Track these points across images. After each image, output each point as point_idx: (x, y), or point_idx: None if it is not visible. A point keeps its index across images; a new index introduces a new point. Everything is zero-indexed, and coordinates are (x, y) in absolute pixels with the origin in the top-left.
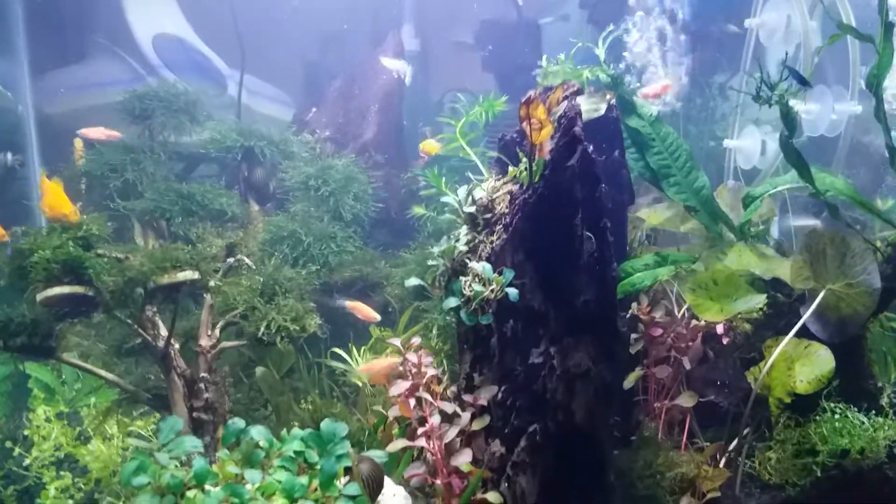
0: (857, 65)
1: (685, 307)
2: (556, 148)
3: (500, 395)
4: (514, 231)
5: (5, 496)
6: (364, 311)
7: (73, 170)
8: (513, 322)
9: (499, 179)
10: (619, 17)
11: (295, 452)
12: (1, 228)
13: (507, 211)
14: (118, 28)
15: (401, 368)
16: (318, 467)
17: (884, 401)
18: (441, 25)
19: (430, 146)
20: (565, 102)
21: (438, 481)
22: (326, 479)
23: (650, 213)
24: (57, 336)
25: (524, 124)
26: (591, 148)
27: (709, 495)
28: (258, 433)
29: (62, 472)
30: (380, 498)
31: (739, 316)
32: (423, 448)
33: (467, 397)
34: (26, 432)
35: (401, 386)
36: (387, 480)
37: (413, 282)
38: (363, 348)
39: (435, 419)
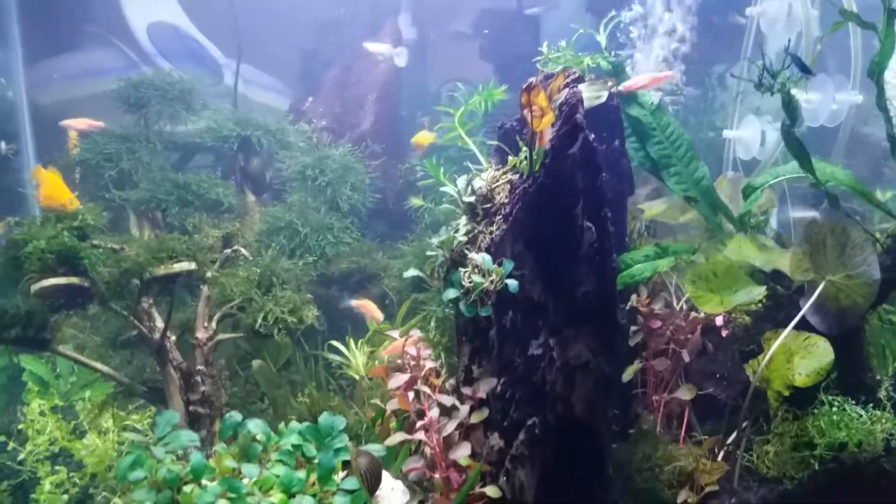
0: (858, 53)
1: (684, 299)
2: (558, 136)
3: (498, 388)
4: (514, 221)
5: None
6: (372, 310)
7: (68, 159)
8: (512, 313)
9: (498, 169)
10: (619, 5)
11: (293, 446)
12: None
13: (506, 201)
14: (113, 16)
15: (399, 361)
16: (316, 461)
17: (882, 393)
18: (439, 14)
19: (423, 138)
20: (566, 90)
21: (437, 475)
22: (325, 474)
23: (650, 207)
24: (52, 328)
25: (525, 111)
26: (593, 136)
27: (707, 489)
28: (255, 427)
29: (57, 467)
30: (378, 492)
31: (739, 308)
32: (421, 441)
33: (466, 390)
34: (20, 426)
35: (399, 379)
36: (385, 474)
37: (412, 273)
38: (360, 341)
39: (434, 412)
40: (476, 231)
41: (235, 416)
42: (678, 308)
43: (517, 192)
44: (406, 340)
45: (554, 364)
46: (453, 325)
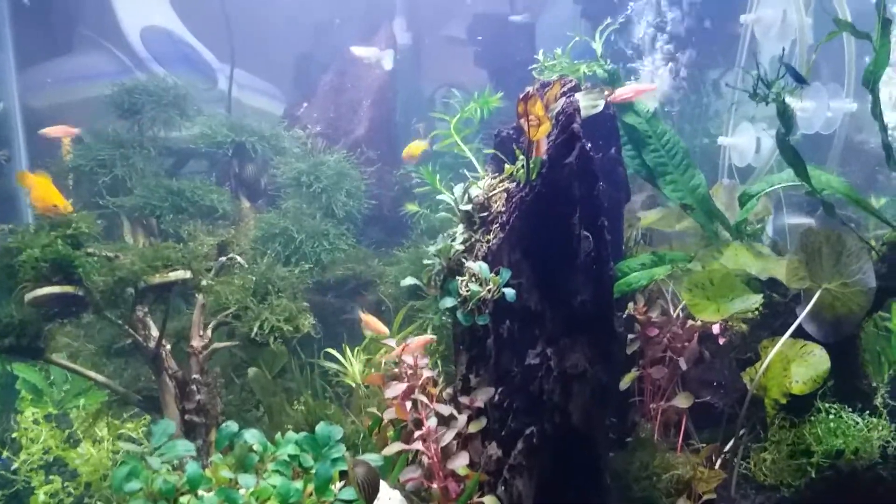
0: (852, 62)
1: (680, 306)
2: (555, 145)
3: (496, 397)
4: (511, 230)
5: None
6: (376, 325)
7: (61, 165)
8: (509, 322)
9: (495, 177)
10: (613, 12)
11: (290, 456)
12: None
13: (503, 209)
14: (106, 20)
15: (396, 370)
16: (314, 472)
17: (878, 401)
18: (433, 20)
19: (415, 149)
20: (563, 99)
21: (435, 485)
22: (322, 484)
23: (645, 215)
24: (46, 337)
25: (522, 121)
26: (589, 145)
27: (704, 497)
28: (252, 437)
29: (51, 476)
30: (376, 502)
31: (735, 316)
32: (418, 451)
33: (464, 399)
34: (14, 435)
35: (397, 388)
36: (382, 484)
37: (409, 281)
38: (357, 349)
39: (431, 422)
40: (473, 239)
41: (232, 426)
42: (675, 316)
43: (514, 200)
44: (407, 347)
45: (551, 373)
46: (450, 333)
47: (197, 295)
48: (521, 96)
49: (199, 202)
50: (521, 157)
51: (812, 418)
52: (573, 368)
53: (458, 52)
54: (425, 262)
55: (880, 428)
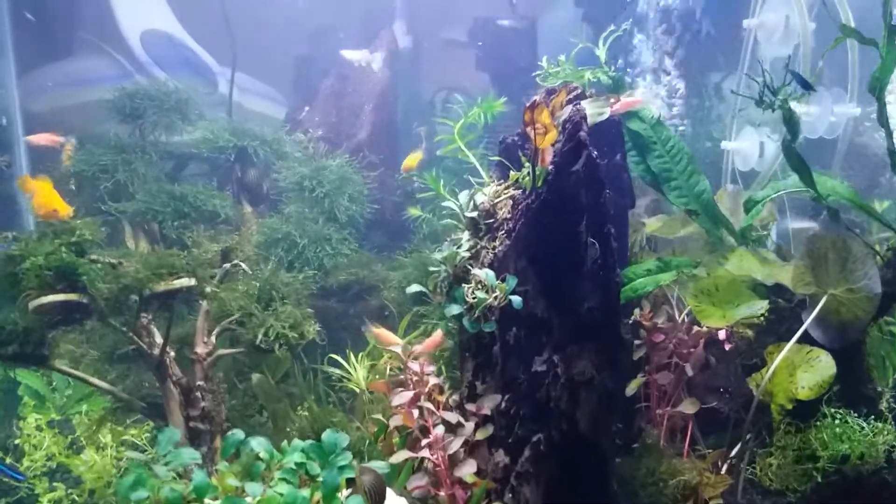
0: (855, 66)
1: (685, 312)
2: (562, 153)
3: (503, 404)
4: (517, 237)
5: None
6: (388, 338)
7: (62, 170)
8: (516, 329)
9: (500, 184)
10: (614, 16)
11: (296, 464)
12: None
13: (509, 216)
14: (106, 24)
15: (402, 376)
16: (320, 479)
17: (883, 405)
18: (433, 23)
19: (413, 160)
20: (570, 106)
21: (442, 492)
22: (329, 492)
23: (649, 222)
24: (49, 344)
25: (528, 129)
26: (596, 153)
27: (711, 502)
28: (258, 445)
29: (55, 483)
30: None
31: (741, 321)
32: (423, 458)
33: (470, 406)
34: (17, 441)
35: (404, 396)
36: (389, 491)
37: (414, 289)
38: (361, 354)
39: (439, 430)
40: (479, 247)
41: (238, 433)
42: (680, 321)
43: (520, 207)
44: (420, 348)
45: (558, 380)
46: (455, 339)
47: (201, 301)
48: (527, 105)
49: (202, 207)
50: (527, 164)
51: (818, 423)
52: (580, 375)
53: (457, 56)
54: (431, 269)
55: (885, 433)
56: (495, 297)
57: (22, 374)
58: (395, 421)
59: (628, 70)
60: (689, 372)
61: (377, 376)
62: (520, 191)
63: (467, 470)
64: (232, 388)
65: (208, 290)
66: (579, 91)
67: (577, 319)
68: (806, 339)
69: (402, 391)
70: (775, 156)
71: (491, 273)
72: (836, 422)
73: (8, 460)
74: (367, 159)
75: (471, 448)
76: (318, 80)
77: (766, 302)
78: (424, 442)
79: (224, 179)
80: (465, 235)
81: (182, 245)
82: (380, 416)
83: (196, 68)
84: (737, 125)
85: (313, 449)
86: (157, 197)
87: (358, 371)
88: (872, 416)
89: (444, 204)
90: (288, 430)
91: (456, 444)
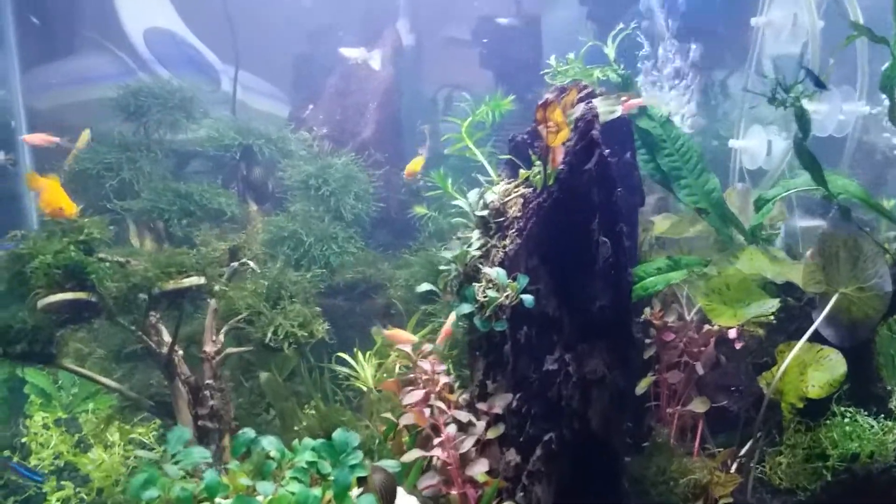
0: (865, 64)
1: (694, 311)
2: (574, 151)
3: (514, 403)
4: (529, 236)
5: None
6: (404, 337)
7: (67, 169)
8: (527, 328)
9: (510, 182)
10: (619, 14)
11: (307, 463)
12: None
13: (519, 215)
14: (108, 22)
15: (412, 375)
16: (332, 478)
17: (892, 404)
18: (435, 21)
19: (416, 165)
20: (582, 104)
21: (454, 491)
22: (340, 491)
23: (657, 221)
24: (58, 343)
25: (541, 127)
26: (608, 151)
27: (721, 501)
28: (269, 443)
29: (63, 482)
30: None
31: (752, 320)
32: (433, 457)
33: (481, 405)
34: (24, 439)
35: (415, 395)
36: (399, 490)
37: (424, 287)
38: (368, 353)
39: (451, 429)
40: (489, 245)
41: (249, 432)
42: (689, 320)
43: (531, 206)
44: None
45: (570, 379)
46: (463, 338)
47: (209, 300)
48: (539, 103)
49: (207, 205)
50: (538, 162)
51: (828, 422)
52: (592, 374)
53: (459, 54)
54: (441, 267)
55: (895, 431)
56: (507, 296)
57: (28, 372)
58: (406, 420)
59: (646, 64)
60: (700, 371)
61: (385, 375)
62: (530, 189)
63: (479, 469)
64: (237, 386)
65: (217, 288)
66: (590, 90)
67: (588, 318)
68: (815, 337)
69: (412, 390)
70: (783, 154)
71: (502, 272)
72: (846, 420)
73: (15, 459)
74: (372, 157)
75: (482, 447)
76: (318, 78)
77: (778, 301)
78: (437, 441)
79: (228, 177)
80: (476, 234)
81: (186, 243)
82: (389, 415)
83: (199, 66)
84: (744, 123)
85: (324, 448)
86: (163, 195)
87: (366, 369)
88: (882, 415)
89: (454, 203)
90: (296, 428)
91: (468, 443)
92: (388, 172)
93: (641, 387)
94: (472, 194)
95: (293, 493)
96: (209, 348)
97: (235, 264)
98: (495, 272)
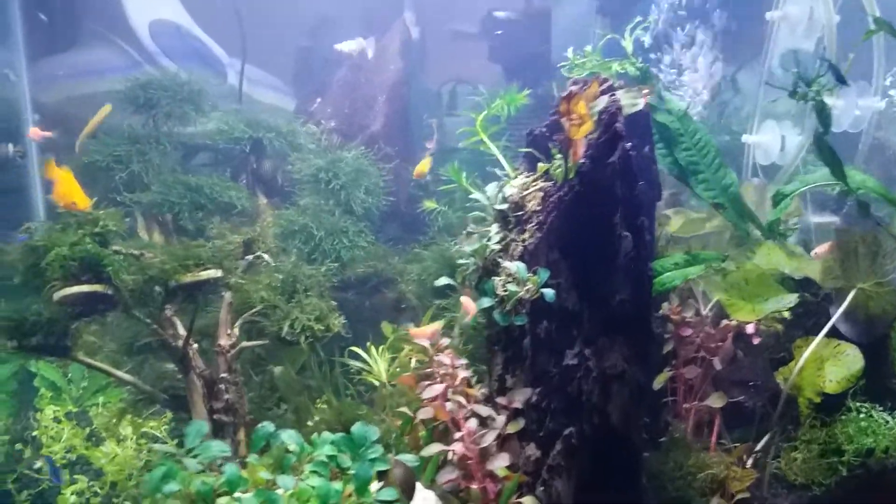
0: (881, 59)
1: (709, 306)
2: (597, 144)
3: (534, 398)
4: (549, 229)
5: (19, 501)
6: (425, 332)
7: (77, 161)
8: (546, 323)
9: (529, 176)
10: (629, 8)
11: (327, 457)
12: None
13: (539, 208)
14: (114, 14)
15: (429, 369)
16: (352, 472)
17: None
18: (440, 14)
19: (424, 166)
20: (605, 97)
21: (474, 485)
22: (361, 485)
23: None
24: (73, 335)
25: (563, 119)
26: (630, 144)
27: (738, 496)
28: (289, 437)
29: (76, 476)
30: (411, 503)
31: (770, 315)
32: (450, 451)
33: (501, 400)
34: (35, 433)
35: (434, 389)
36: (417, 485)
37: (443, 282)
38: (381, 347)
39: (471, 423)
40: (508, 239)
41: (268, 426)
42: (705, 315)
43: (552, 199)
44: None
45: (590, 374)
46: (479, 332)
47: (224, 293)
48: (563, 95)
49: (218, 198)
50: (559, 155)
51: (843, 417)
52: (612, 369)
53: (464, 47)
54: (460, 261)
55: None
56: (527, 290)
57: (38, 365)
58: (422, 414)
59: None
60: (717, 366)
61: (399, 369)
62: (549, 183)
63: (500, 463)
64: (248, 379)
65: (233, 281)
66: (611, 83)
67: (608, 312)
68: (832, 333)
69: (431, 384)
70: (797, 150)
71: (523, 266)
72: (861, 416)
73: (27, 452)
74: (382, 151)
75: (501, 441)
76: (319, 71)
77: (796, 296)
78: (457, 435)
79: (237, 170)
80: (494, 228)
81: (197, 236)
82: (405, 410)
83: (205, 59)
84: (758, 118)
85: (344, 442)
86: (173, 188)
87: (379, 363)
88: None
89: (471, 196)
90: (309, 423)
91: (489, 438)
92: (397, 166)
93: (658, 382)
94: (491, 188)
95: (314, 487)
96: (224, 342)
97: (250, 257)
98: (515, 266)
